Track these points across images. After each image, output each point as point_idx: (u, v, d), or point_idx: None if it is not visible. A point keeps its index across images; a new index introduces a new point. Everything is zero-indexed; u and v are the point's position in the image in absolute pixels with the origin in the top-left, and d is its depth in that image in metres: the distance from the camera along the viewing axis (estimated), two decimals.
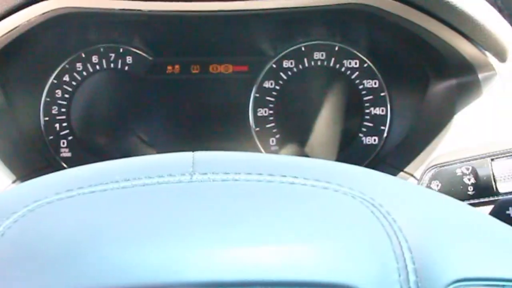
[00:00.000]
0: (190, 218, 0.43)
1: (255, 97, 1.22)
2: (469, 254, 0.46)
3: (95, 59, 1.23)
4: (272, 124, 1.22)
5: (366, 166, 1.19)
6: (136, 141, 1.22)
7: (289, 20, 1.18)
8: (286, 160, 0.55)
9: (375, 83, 1.20)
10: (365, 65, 1.21)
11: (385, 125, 1.21)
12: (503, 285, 0.46)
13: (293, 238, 0.43)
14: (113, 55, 1.23)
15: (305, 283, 0.41)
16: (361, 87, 1.21)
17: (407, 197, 0.51)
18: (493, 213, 0.62)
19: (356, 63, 1.21)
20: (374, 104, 1.21)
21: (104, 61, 1.23)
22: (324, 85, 1.21)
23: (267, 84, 1.22)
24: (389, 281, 0.42)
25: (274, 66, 1.22)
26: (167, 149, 1.19)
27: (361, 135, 1.21)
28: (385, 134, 1.20)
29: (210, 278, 0.39)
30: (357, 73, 1.21)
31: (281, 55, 1.22)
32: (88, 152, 1.22)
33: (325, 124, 1.21)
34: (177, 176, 0.48)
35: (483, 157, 0.75)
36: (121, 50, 1.23)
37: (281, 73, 1.22)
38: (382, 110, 1.20)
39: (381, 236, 0.44)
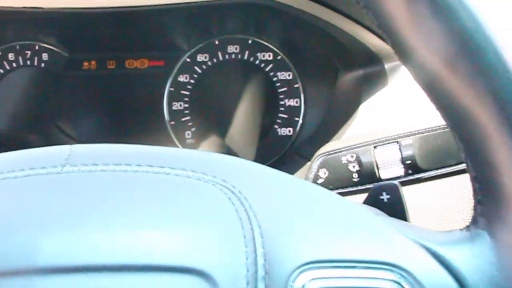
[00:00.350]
0: (47, 207, 0.46)
1: (169, 91, 1.23)
2: (319, 237, 0.48)
3: (11, 56, 1.23)
4: (188, 118, 1.23)
5: (281, 157, 1.21)
6: (58, 136, 1.23)
7: (202, 14, 1.18)
8: (159, 151, 0.57)
9: (289, 75, 1.22)
10: (279, 57, 1.22)
11: (299, 116, 1.22)
12: (354, 266, 0.50)
13: (147, 224, 0.45)
14: (29, 52, 1.23)
15: (153, 267, 0.43)
16: (275, 79, 1.22)
17: (267, 184, 0.54)
18: (368, 198, 0.66)
19: (269, 56, 1.22)
20: (289, 96, 1.22)
21: (20, 58, 1.23)
22: (239, 78, 1.23)
23: (181, 78, 1.23)
24: (236, 264, 0.45)
25: (188, 60, 1.23)
26: (88, 143, 1.19)
27: (276, 126, 1.23)
28: (299, 125, 1.22)
29: (57, 263, 0.41)
30: (271, 65, 1.22)
31: (195, 49, 1.23)
32: (9, 148, 1.23)
33: (241, 116, 1.22)
34: (48, 168, 0.51)
35: (367, 145, 0.79)
36: (36, 48, 1.23)
37: (196, 67, 1.23)
38: (296, 102, 1.22)
39: (234, 222, 0.47)
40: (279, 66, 1.23)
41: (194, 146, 1.23)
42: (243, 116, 1.22)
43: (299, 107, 1.22)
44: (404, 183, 0.79)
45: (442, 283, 0.50)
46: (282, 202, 0.52)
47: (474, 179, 0.53)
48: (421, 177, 0.79)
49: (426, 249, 0.52)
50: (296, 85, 1.22)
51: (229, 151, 1.21)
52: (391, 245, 0.51)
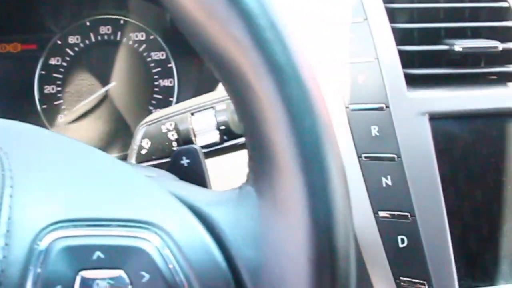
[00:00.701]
0: None
1: (40, 75, 1.20)
2: (72, 196, 0.47)
3: None
4: (60, 101, 1.20)
5: None
6: None
7: None
8: None
9: (162, 55, 1.19)
10: (151, 37, 1.20)
11: (173, 96, 1.20)
12: (108, 225, 0.48)
13: None
14: None
15: None
16: (149, 59, 1.20)
17: (35, 145, 0.52)
18: (170, 164, 0.64)
19: (142, 36, 1.19)
20: (163, 76, 1.20)
21: None
22: (112, 60, 1.20)
23: (53, 61, 1.20)
24: None
25: (59, 42, 1.20)
26: None
27: (151, 107, 1.20)
28: (173, 105, 1.21)
29: None
30: (144, 45, 1.20)
31: (65, 30, 1.20)
32: None
33: (115, 98, 1.20)
34: None
35: (185, 112, 0.77)
36: None
37: (67, 49, 1.20)
38: (170, 82, 1.19)
39: None
40: (152, 46, 1.21)
41: (67, 130, 1.20)
42: (118, 98, 1.20)
43: (173, 87, 1.21)
44: (223, 150, 0.77)
45: (200, 242, 0.49)
46: (44, 162, 0.50)
47: (244, 133, 0.52)
48: (237, 143, 0.78)
49: (191, 208, 0.51)
50: (169, 65, 1.20)
51: (103, 134, 1.19)
52: (151, 204, 0.49)
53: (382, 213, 0.89)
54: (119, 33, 1.20)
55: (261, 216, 0.50)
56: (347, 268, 0.49)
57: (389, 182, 0.90)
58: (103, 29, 1.20)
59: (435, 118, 0.93)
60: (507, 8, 1.01)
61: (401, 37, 1.05)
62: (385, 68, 0.94)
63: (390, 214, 0.89)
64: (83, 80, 1.20)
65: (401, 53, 0.97)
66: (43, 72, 1.20)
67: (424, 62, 1.01)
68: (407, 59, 0.99)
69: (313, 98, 0.49)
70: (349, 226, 0.50)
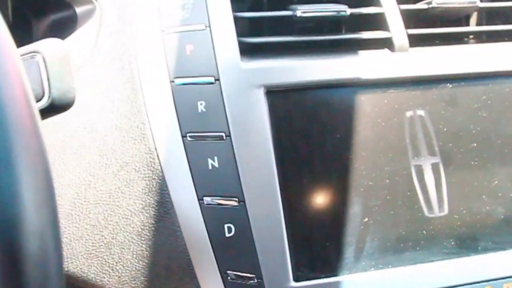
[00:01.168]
0: None
1: None
2: None
3: None
4: None
5: None
6: None
7: None
8: None
9: None
10: None
11: None
12: None
13: None
14: None
15: None
16: None
17: None
18: None
19: None
20: None
21: None
22: None
23: None
24: None
25: None
26: None
27: None
28: None
29: None
30: None
31: None
32: None
33: None
34: None
35: None
36: None
37: None
38: None
39: None
40: None
41: None
42: None
43: None
44: None
45: None
46: None
47: None
48: None
49: None
50: None
51: None
52: None
53: (207, 199, 0.80)
54: None
55: None
56: (42, 280, 0.40)
57: (216, 164, 0.81)
58: None
59: (272, 91, 0.84)
60: None
61: (251, 4, 0.97)
62: (217, 37, 0.85)
63: (216, 200, 0.80)
64: None
65: (238, 20, 0.88)
66: None
67: (277, 30, 0.93)
68: (254, 28, 0.91)
69: None
70: (47, 226, 0.41)
